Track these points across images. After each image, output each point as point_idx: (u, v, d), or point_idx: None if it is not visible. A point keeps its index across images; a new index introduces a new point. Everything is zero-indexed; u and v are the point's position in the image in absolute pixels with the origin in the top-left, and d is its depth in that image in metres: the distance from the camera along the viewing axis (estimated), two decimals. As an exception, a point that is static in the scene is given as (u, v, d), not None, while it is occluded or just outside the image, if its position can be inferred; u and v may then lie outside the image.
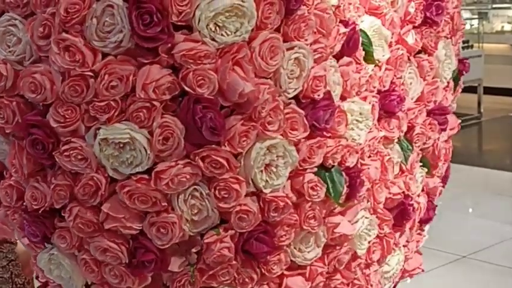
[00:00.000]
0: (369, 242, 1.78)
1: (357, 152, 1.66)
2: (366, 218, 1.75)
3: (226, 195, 1.45)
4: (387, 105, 1.79)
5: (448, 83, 2.05)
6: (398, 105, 1.81)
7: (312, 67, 1.52)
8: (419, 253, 2.11)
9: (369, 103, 1.72)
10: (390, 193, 1.82)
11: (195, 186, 1.45)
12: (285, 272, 1.63)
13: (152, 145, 1.40)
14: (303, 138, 1.53)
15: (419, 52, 1.95)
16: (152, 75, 1.38)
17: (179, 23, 1.38)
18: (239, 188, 1.46)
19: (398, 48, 1.83)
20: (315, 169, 1.58)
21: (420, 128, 1.92)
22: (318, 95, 1.53)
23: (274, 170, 1.50)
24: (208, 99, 1.39)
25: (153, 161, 1.42)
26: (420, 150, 1.96)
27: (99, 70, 1.37)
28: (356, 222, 1.72)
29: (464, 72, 2.15)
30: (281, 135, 1.49)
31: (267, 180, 1.49)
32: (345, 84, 1.64)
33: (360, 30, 1.75)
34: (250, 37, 1.43)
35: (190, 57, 1.38)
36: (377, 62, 1.77)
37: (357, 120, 1.67)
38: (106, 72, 1.37)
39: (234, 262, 1.52)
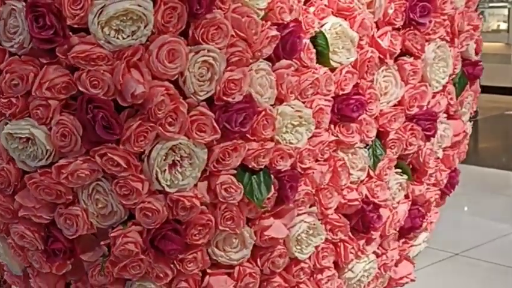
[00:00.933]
0: (316, 247, 1.76)
1: (291, 156, 1.65)
2: (305, 222, 1.73)
3: (126, 193, 1.50)
4: (344, 110, 1.75)
5: (445, 87, 1.96)
6: (357, 110, 1.76)
7: (229, 70, 1.54)
8: (410, 262, 2.04)
9: (316, 107, 1.69)
10: (345, 199, 1.79)
11: (98, 182, 1.52)
12: (208, 271, 1.65)
13: (51, 141, 1.48)
14: (215, 140, 1.56)
15: (403, 54, 1.88)
16: (48, 75, 1.46)
17: (76, 26, 1.45)
18: (140, 187, 1.50)
19: (368, 51, 1.79)
20: (234, 171, 1.59)
21: (396, 133, 1.85)
22: (233, 98, 1.54)
23: (180, 170, 1.53)
24: (101, 99, 1.45)
25: (57, 156, 1.51)
26: (401, 156, 1.90)
27: (3, 69, 1.48)
28: (293, 226, 1.71)
29: (475, 76, 2.05)
30: (187, 136, 1.52)
31: (172, 180, 1.53)
32: (280, 87, 1.63)
33: (319, 32, 1.73)
34: (151, 40, 1.47)
35: (83, 59, 1.44)
36: (336, 64, 1.74)
37: (292, 124, 1.65)
38: (7, 70, 1.47)
39: (143, 256, 1.57)
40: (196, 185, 1.56)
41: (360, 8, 1.79)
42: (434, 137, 1.94)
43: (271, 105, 1.63)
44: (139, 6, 1.44)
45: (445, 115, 2.01)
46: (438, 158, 2.00)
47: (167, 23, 1.47)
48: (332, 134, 1.75)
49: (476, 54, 2.09)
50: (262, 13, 1.59)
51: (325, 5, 1.77)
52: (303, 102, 1.68)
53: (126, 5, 1.43)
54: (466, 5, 2.03)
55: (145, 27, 1.45)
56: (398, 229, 1.95)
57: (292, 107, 1.65)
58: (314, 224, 1.74)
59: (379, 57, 1.81)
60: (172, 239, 1.57)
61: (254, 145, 1.60)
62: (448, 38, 1.97)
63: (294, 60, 1.66)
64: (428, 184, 1.98)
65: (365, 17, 1.79)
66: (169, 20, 1.47)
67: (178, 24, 1.48)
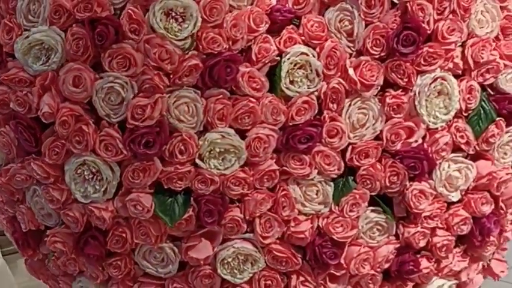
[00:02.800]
0: (254, 273, 1.77)
1: (213, 182, 1.68)
2: (233, 247, 1.74)
3: (49, 199, 1.73)
4: (290, 141, 1.71)
5: (451, 123, 1.76)
6: (306, 142, 1.71)
7: (140, 96, 1.64)
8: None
9: (253, 135, 1.69)
10: (290, 230, 1.74)
11: (34, 186, 1.76)
12: (140, 279, 1.79)
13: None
14: (129, 159, 1.68)
15: (391, 86, 1.75)
16: (-6, 93, 1.75)
17: (11, 52, 1.71)
18: (58, 195, 1.72)
19: (333, 82, 1.71)
20: (150, 190, 1.70)
21: (368, 169, 1.74)
22: (142, 122, 1.64)
23: (91, 184, 1.69)
24: (21, 116, 1.70)
25: (7, 161, 1.79)
26: (387, 194, 1.78)
27: None
28: (222, 250, 1.74)
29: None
30: (96, 154, 1.67)
31: (84, 192, 1.70)
32: (207, 114, 1.68)
33: (279, 60, 1.72)
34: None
35: (11, 81, 1.69)
36: (292, 94, 1.71)
37: (220, 151, 1.68)
38: None
39: (74, 256, 1.78)
40: (112, 199, 1.72)
41: (334, 37, 1.74)
42: (423, 176, 1.77)
43: (200, 131, 1.70)
44: (50, 37, 1.65)
45: (461, 154, 1.82)
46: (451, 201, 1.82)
47: (76, 52, 1.64)
48: (278, 164, 1.74)
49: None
50: (188, 42, 1.67)
51: (298, 33, 1.75)
52: (239, 130, 1.71)
53: (39, 37, 1.66)
54: (501, 32, 1.80)
55: (55, 55, 1.66)
56: (380, 271, 1.83)
57: (221, 134, 1.70)
58: (244, 250, 1.75)
59: (352, 88, 1.73)
60: (92, 244, 1.75)
61: (169, 168, 1.69)
62: (458, 70, 1.78)
63: (234, 88, 1.71)
64: (426, 228, 1.81)
65: (335, 46, 1.72)
66: (77, 49, 1.64)
67: (85, 53, 1.64)
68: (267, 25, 1.73)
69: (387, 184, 1.76)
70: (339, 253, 1.78)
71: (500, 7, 1.81)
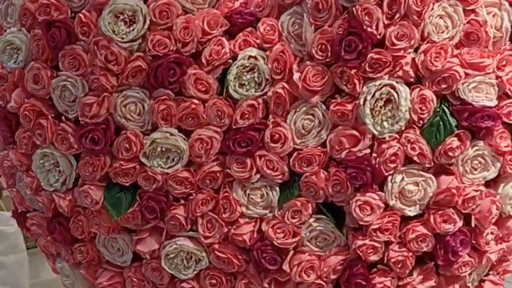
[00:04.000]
0: (200, 271, 1.81)
1: (155, 180, 1.75)
2: (176, 244, 1.79)
3: (25, 185, 1.89)
4: (232, 144, 1.71)
5: (401, 133, 1.65)
6: (246, 146, 1.70)
7: (89, 95, 1.74)
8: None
9: (195, 136, 1.72)
10: (231, 232, 1.75)
11: (18, 172, 1.92)
12: (104, 265, 1.89)
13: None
14: (82, 153, 1.79)
15: (340, 91, 1.68)
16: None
17: (-4, 52, 1.89)
18: (30, 183, 1.89)
19: (277, 86, 1.69)
20: (101, 183, 1.79)
21: (309, 177, 1.69)
22: (91, 119, 1.74)
23: (52, 174, 1.83)
24: (1, 110, 1.86)
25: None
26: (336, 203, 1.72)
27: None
28: (166, 246, 1.79)
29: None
30: (55, 147, 1.79)
31: (48, 181, 1.85)
32: (153, 115, 1.73)
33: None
34: (30, 65, 1.81)
35: (-1, 78, 1.88)
36: (239, 97, 1.71)
37: (163, 150, 1.73)
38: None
39: (49, 238, 1.92)
40: (72, 189, 1.84)
41: (286, 40, 1.70)
42: (368, 187, 1.68)
43: (147, 129, 1.76)
44: (17, 38, 1.80)
45: (417, 167, 1.69)
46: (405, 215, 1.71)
47: (37, 52, 1.78)
48: (224, 166, 1.75)
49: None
50: (136, 44, 1.73)
51: (255, 37, 1.74)
52: (184, 131, 1.74)
53: (9, 37, 1.82)
54: (465, 38, 1.65)
55: (20, 54, 1.81)
56: (329, 281, 1.76)
57: (164, 134, 1.74)
58: (186, 248, 1.78)
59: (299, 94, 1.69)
60: (58, 229, 1.88)
61: (115, 164, 1.77)
62: (411, 78, 1.66)
63: (182, 89, 1.74)
64: (376, 241, 1.71)
65: (282, 50, 1.70)
66: (37, 49, 1.78)
67: (44, 53, 1.77)
68: (223, 28, 1.76)
69: (331, 193, 1.71)
70: (280, 259, 1.76)
71: (466, 10, 1.66)
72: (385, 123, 1.67)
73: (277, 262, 1.76)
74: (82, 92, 1.76)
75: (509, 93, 1.68)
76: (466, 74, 1.66)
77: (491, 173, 1.73)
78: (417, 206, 1.72)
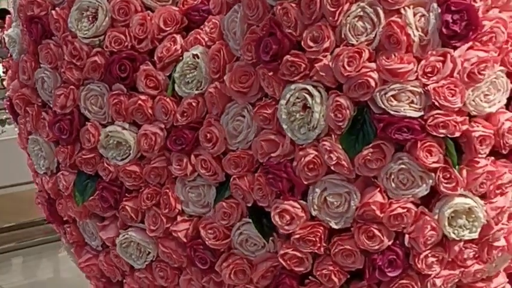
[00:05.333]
0: (151, 262, 1.87)
1: (110, 171, 1.83)
2: (127, 234, 1.85)
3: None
4: (170, 141, 1.74)
5: (320, 140, 1.54)
6: (181, 145, 1.71)
7: (60, 87, 1.85)
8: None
9: (141, 132, 1.77)
10: (170, 228, 1.77)
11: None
12: (86, 248, 1.99)
13: None
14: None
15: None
16: None
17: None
18: (31, 166, 2.03)
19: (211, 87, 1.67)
20: (74, 171, 1.91)
21: (235, 179, 1.66)
22: (61, 110, 1.86)
23: (40, 159, 1.96)
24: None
25: None
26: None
27: None
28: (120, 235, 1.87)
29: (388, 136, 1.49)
30: (40, 135, 1.93)
31: (40, 168, 1.98)
32: (111, 108, 1.79)
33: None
34: (24, 58, 1.95)
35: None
36: (184, 94, 1.72)
37: (116, 143, 1.79)
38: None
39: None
40: (56, 173, 1.95)
41: (227, 39, 1.67)
42: (287, 194, 1.58)
43: (108, 122, 1.82)
44: (14, 32, 1.98)
45: (340, 177, 1.56)
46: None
47: (26, 46, 1.93)
48: (166, 163, 1.76)
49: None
50: (97, 40, 1.80)
51: (204, 35, 1.73)
52: (135, 125, 1.79)
53: (9, 32, 2.00)
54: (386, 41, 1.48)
55: (15, 47, 1.97)
56: (261, 286, 1.69)
57: (115, 127, 1.80)
58: (134, 239, 1.82)
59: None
60: (50, 210, 2.02)
61: (80, 153, 1.86)
62: (329, 83, 1.53)
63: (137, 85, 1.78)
64: (299, 251, 1.61)
65: (219, 49, 1.67)
66: (25, 43, 1.93)
67: (29, 47, 1.91)
68: (179, 25, 1.78)
69: (256, 197, 1.66)
70: (214, 259, 1.74)
71: (388, 11, 1.50)
72: (302, 129, 1.58)
73: (208, 262, 1.75)
74: (56, 84, 1.89)
75: (438, 103, 1.50)
76: (384, 81, 1.51)
77: (422, 191, 1.56)
78: (343, 218, 1.61)
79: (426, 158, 1.53)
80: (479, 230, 1.60)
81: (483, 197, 1.59)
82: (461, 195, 1.57)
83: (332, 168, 1.58)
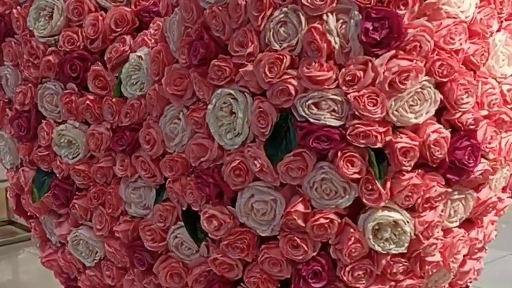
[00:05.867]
0: (100, 260, 1.89)
1: (62, 169, 1.85)
2: (76, 232, 1.89)
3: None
4: (113, 142, 1.75)
5: (246, 146, 1.52)
6: (122, 145, 1.73)
7: (21, 84, 1.88)
8: None
9: (88, 131, 1.80)
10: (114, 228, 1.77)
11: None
12: (48, 243, 2.00)
13: None
14: (21, 137, 1.94)
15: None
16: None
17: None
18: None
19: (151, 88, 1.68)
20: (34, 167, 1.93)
21: (169, 182, 1.67)
22: (22, 107, 1.89)
23: (6, 155, 1.98)
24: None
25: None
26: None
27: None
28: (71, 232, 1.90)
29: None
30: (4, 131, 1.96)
31: (7, 163, 2.00)
32: (63, 107, 1.81)
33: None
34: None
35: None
36: (129, 95, 1.73)
37: (67, 142, 1.82)
38: None
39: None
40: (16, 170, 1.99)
41: (168, 40, 1.66)
42: (214, 199, 1.57)
43: (63, 120, 1.84)
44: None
45: (266, 184, 1.53)
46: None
47: (-7, 43, 1.97)
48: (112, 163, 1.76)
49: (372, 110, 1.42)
50: (52, 39, 1.82)
51: (151, 37, 1.73)
52: (86, 124, 1.81)
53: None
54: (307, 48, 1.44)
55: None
56: None
57: (66, 126, 1.82)
58: (83, 237, 1.85)
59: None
60: (15, 203, 2.06)
61: (37, 150, 1.89)
62: (254, 89, 1.50)
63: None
64: (228, 257, 1.59)
65: (159, 51, 1.66)
66: (-9, 40, 1.97)
67: (-1, 42, 1.97)
68: (130, 26, 1.79)
69: (189, 201, 1.65)
70: (151, 261, 1.74)
71: (311, 17, 1.46)
72: (229, 135, 1.57)
73: (145, 263, 1.75)
74: (17, 81, 1.92)
75: (358, 113, 1.45)
76: (305, 88, 1.48)
77: (345, 201, 1.51)
78: (270, 226, 1.58)
79: (347, 169, 1.48)
80: (406, 244, 1.55)
81: (412, 210, 1.54)
82: (386, 207, 1.52)
83: (257, 175, 1.56)
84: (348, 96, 1.46)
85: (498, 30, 1.59)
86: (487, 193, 1.61)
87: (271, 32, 1.50)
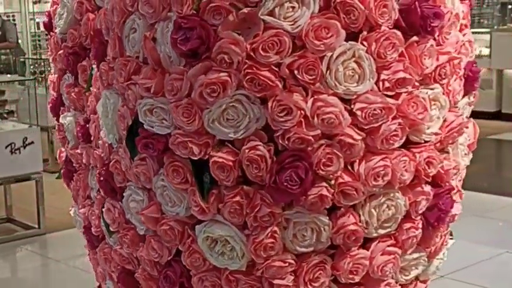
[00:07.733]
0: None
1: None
2: None
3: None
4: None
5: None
6: (82, 136, 1.85)
7: None
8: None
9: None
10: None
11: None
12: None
13: None
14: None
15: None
16: None
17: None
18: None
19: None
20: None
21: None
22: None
23: None
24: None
25: None
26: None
27: None
28: None
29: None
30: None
31: None
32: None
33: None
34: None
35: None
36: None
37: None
38: None
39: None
40: None
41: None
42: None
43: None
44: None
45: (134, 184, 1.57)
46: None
47: None
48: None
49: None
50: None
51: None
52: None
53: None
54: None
55: None
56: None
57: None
58: None
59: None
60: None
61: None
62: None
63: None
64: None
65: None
66: None
67: None
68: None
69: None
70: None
71: (148, 25, 1.45)
72: (110, 135, 1.64)
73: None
74: None
75: (177, 124, 1.42)
76: (141, 95, 1.50)
77: (182, 211, 1.52)
78: (144, 227, 1.62)
79: (173, 178, 1.48)
80: (243, 261, 1.48)
81: (244, 228, 1.47)
82: (216, 221, 1.48)
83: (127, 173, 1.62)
84: (171, 105, 1.45)
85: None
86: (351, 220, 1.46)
87: (127, 39, 1.54)
